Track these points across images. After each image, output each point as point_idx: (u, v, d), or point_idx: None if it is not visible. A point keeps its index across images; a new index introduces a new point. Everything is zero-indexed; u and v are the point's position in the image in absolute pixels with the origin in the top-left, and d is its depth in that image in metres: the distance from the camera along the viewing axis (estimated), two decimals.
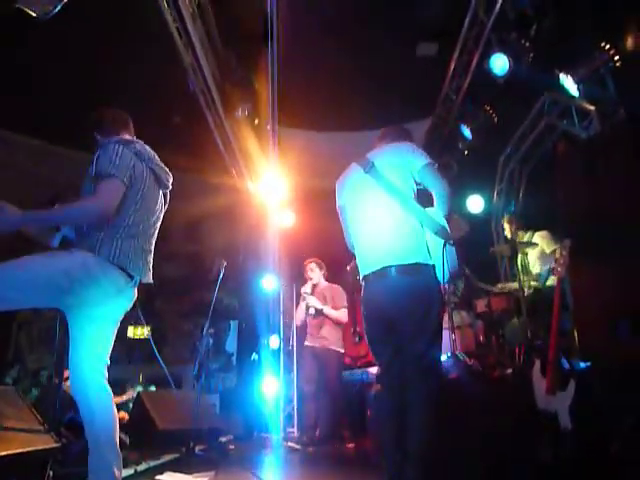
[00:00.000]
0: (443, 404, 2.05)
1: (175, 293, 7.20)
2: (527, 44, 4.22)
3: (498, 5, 4.17)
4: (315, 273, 4.75)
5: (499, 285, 4.90)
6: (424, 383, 2.02)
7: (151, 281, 2.11)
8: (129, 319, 2.10)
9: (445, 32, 4.76)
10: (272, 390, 5.59)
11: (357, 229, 2.32)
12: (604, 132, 4.26)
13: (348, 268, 4.15)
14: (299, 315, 4.76)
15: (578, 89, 4.37)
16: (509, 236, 4.81)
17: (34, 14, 2.88)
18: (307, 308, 4.62)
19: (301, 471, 3.68)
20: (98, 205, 1.90)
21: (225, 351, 7.22)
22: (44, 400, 3.37)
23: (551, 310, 2.77)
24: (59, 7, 2.91)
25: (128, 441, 3.42)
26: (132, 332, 6.72)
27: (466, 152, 5.93)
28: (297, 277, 6.47)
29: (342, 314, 4.61)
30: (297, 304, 4.97)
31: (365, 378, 4.90)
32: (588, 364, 3.09)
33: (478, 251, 5.12)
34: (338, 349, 4.54)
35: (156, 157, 2.20)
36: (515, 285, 4.39)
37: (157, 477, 2.85)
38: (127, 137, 2.20)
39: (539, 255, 4.46)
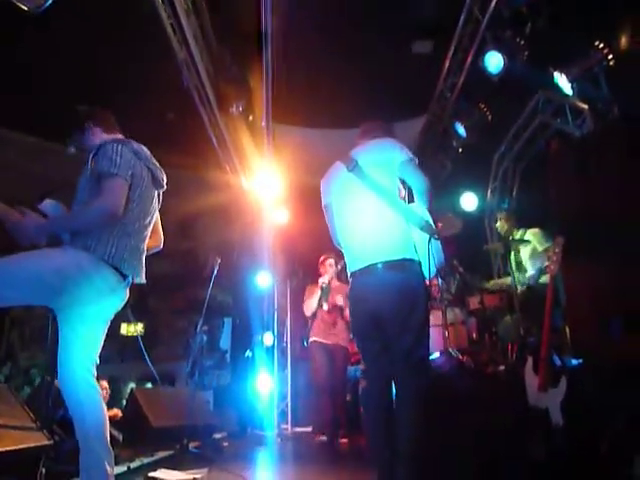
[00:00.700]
0: (435, 401, 2.06)
1: (169, 290, 7.19)
2: (522, 42, 4.24)
3: (493, 3, 4.18)
4: (333, 268, 4.54)
5: (492, 282, 4.93)
6: (412, 379, 2.04)
7: (144, 281, 2.10)
8: (122, 317, 2.09)
9: (440, 30, 4.76)
10: (266, 387, 5.60)
11: (343, 227, 2.33)
12: (597, 131, 4.29)
13: (339, 267, 4.17)
14: (311, 305, 4.45)
15: (572, 88, 4.40)
16: (502, 233, 4.83)
17: (25, 8, 2.84)
18: (322, 300, 4.37)
19: (294, 467, 3.69)
20: (107, 206, 1.89)
21: (219, 348, 7.23)
22: (36, 398, 3.36)
23: (544, 307, 2.79)
24: (51, 1, 2.87)
25: (121, 438, 3.42)
26: (125, 329, 6.71)
27: (460, 150, 5.95)
28: (291, 274, 6.49)
29: None
30: (291, 300, 4.92)
31: (359, 375, 4.92)
32: (580, 361, 3.11)
33: (471, 248, 5.15)
34: (346, 346, 4.49)
35: (152, 157, 2.19)
36: (508, 282, 4.42)
37: (151, 474, 2.84)
38: (120, 136, 2.19)
39: (531, 253, 4.48)
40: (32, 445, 2.42)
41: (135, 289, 2.13)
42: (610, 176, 3.26)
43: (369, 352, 2.22)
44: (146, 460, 3.16)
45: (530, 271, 4.42)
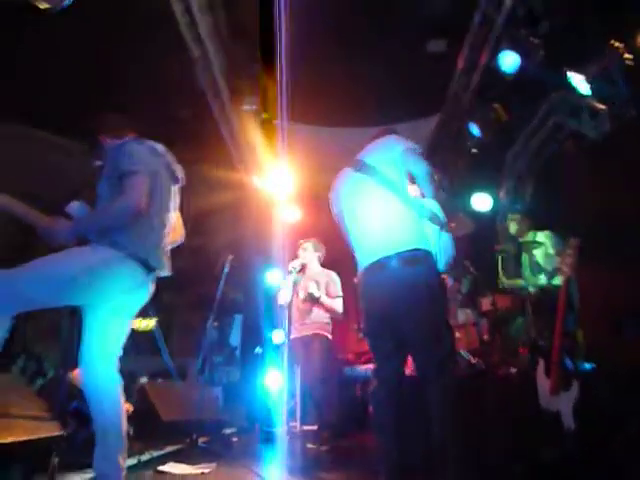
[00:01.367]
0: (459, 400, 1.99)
1: (183, 286, 7.23)
2: (537, 41, 4.19)
3: (508, 2, 4.13)
4: (308, 253, 4.33)
5: (504, 283, 4.87)
6: (437, 380, 1.98)
7: (169, 273, 2.14)
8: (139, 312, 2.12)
9: (454, 28, 4.72)
10: (275, 384, 5.61)
11: (356, 228, 2.31)
12: (614, 131, 4.22)
13: (355, 280, 4.08)
14: (284, 294, 4.18)
15: (590, 88, 4.33)
16: (514, 234, 4.78)
17: (46, 6, 2.87)
18: (294, 288, 4.11)
19: (302, 465, 3.69)
20: (131, 202, 1.92)
21: (229, 344, 7.26)
22: (49, 389, 3.41)
23: (556, 310, 2.76)
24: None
25: (132, 431, 3.45)
26: (137, 324, 6.75)
27: (474, 150, 5.89)
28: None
29: (337, 304, 4.16)
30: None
31: (369, 374, 4.90)
32: (593, 365, 3.08)
33: (483, 249, 5.10)
34: (325, 333, 4.17)
35: (168, 153, 2.23)
36: (520, 283, 4.37)
37: (160, 467, 2.88)
38: (135, 136, 2.23)
39: (543, 255, 4.43)
40: (45, 435, 2.46)
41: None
42: (626, 177, 3.22)
43: (380, 351, 2.19)
44: (156, 453, 3.20)
45: (542, 278, 4.36)
